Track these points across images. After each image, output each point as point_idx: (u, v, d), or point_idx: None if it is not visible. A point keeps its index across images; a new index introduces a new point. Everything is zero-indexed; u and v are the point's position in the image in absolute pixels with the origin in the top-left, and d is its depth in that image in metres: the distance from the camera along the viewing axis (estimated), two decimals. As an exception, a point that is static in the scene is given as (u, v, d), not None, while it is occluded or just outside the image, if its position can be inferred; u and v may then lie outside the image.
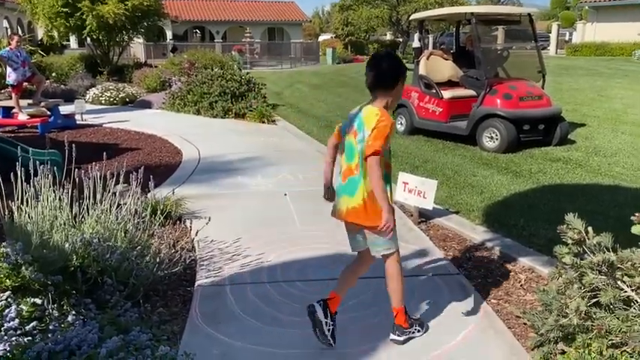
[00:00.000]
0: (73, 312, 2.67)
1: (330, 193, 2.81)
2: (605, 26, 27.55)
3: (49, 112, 9.80)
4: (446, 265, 3.73)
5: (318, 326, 2.69)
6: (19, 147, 5.11)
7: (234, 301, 3.18)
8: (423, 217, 4.65)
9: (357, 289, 3.33)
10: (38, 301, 2.68)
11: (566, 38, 37.29)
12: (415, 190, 4.47)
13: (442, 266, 3.70)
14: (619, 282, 2.40)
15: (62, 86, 15.05)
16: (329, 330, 2.69)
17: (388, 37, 45.59)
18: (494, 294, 3.36)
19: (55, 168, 3.62)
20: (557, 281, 2.69)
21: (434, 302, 3.19)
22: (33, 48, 18.17)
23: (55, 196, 3.27)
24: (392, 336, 2.76)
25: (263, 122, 10.05)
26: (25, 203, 3.18)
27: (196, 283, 3.41)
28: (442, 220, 4.57)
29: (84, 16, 15.83)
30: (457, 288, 3.38)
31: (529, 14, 8.03)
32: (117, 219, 3.32)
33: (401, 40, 39.73)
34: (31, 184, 3.24)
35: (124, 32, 17.48)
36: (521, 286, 3.47)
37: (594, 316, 2.41)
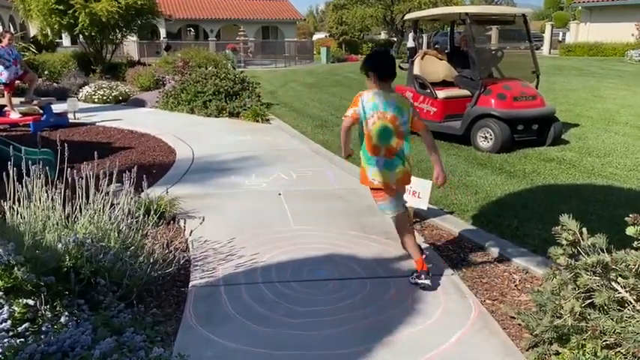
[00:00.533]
0: (66, 313, 2.65)
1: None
2: (599, 26, 27.68)
3: (41, 111, 9.72)
4: (440, 265, 3.73)
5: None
6: (11, 146, 5.07)
7: (228, 302, 3.16)
8: (418, 217, 4.65)
9: (352, 289, 3.33)
10: (31, 302, 2.65)
11: (560, 38, 37.46)
12: (410, 190, 4.46)
13: (436, 266, 3.69)
14: (613, 283, 2.41)
15: (55, 84, 14.95)
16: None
17: (382, 36, 45.59)
18: (488, 294, 3.36)
19: (48, 167, 3.59)
20: (552, 282, 2.70)
21: (429, 303, 3.19)
22: (25, 45, 18.06)
23: (48, 196, 3.24)
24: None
25: (257, 121, 10.02)
26: (17, 203, 3.16)
27: (190, 284, 3.39)
28: (437, 221, 4.58)
29: (77, 14, 15.72)
30: (452, 288, 3.38)
31: (523, 15, 8.05)
32: (110, 219, 3.29)
33: (395, 39, 39.75)
34: (24, 183, 3.21)
35: (117, 30, 17.37)
36: (515, 286, 3.48)
37: (589, 317, 2.42)
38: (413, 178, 4.48)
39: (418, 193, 4.41)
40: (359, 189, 5.44)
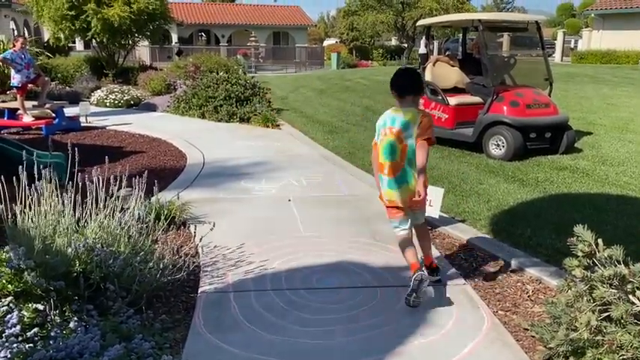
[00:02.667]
0: (75, 318, 2.64)
1: None
2: (612, 34, 27.52)
3: (53, 114, 9.80)
4: (452, 274, 3.69)
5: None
6: (24, 150, 5.10)
7: (237, 309, 3.14)
8: (429, 225, 4.59)
9: (362, 298, 3.30)
10: (40, 306, 2.65)
11: (572, 46, 37.26)
12: (421, 197, 4.43)
13: (448, 276, 3.65)
14: (630, 296, 2.36)
15: (67, 88, 15.08)
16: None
17: (393, 42, 45.58)
18: (501, 305, 3.31)
19: (59, 171, 3.59)
20: (567, 294, 2.64)
21: (440, 313, 3.14)
22: (39, 50, 18.24)
23: (59, 200, 3.24)
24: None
25: (267, 127, 10.02)
26: (28, 207, 3.16)
27: (199, 290, 3.37)
28: (448, 229, 4.53)
29: (89, 19, 15.86)
30: (464, 298, 3.33)
31: (536, 22, 7.99)
32: (120, 224, 3.28)
33: (406, 45, 39.72)
34: (35, 187, 3.21)
35: (130, 35, 17.51)
36: (528, 297, 3.42)
37: (605, 331, 2.37)
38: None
39: (430, 201, 4.36)
40: (369, 195, 5.42)
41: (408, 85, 3.27)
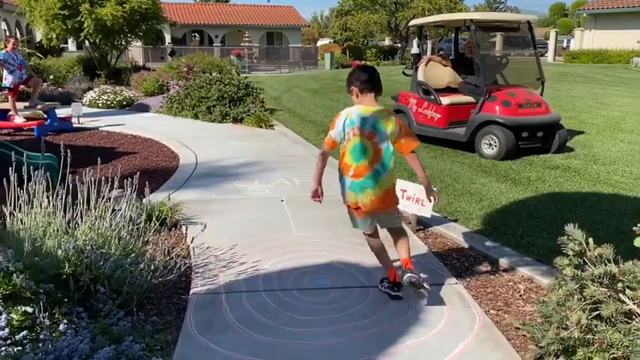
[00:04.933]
0: (65, 321, 2.62)
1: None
2: (604, 33, 27.65)
3: (45, 115, 9.75)
4: (444, 274, 3.69)
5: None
6: (13, 151, 5.07)
7: (229, 310, 3.12)
8: (421, 224, 4.61)
9: (354, 298, 3.29)
10: (29, 309, 2.62)
11: (564, 45, 37.42)
12: (414, 197, 4.44)
13: (440, 275, 3.65)
14: (621, 295, 2.36)
15: (59, 89, 15.00)
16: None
17: (387, 42, 45.65)
18: (493, 304, 3.32)
19: (51, 172, 3.57)
20: (558, 293, 2.65)
21: (432, 312, 3.14)
22: (30, 51, 18.13)
23: (49, 201, 3.22)
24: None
25: (261, 127, 10.01)
26: (18, 209, 3.13)
27: (191, 291, 3.36)
28: (440, 228, 4.54)
29: (82, 19, 15.78)
30: (456, 298, 3.33)
31: (528, 21, 8.02)
32: (111, 226, 3.26)
33: (399, 45, 39.80)
34: (25, 189, 3.19)
35: (122, 35, 17.44)
36: (520, 296, 3.43)
37: (595, 330, 2.37)
38: (416, 186, 4.47)
39: (422, 201, 4.37)
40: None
41: (375, 82, 3.12)
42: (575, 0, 49.35)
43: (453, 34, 9.95)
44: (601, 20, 28.30)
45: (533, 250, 4.01)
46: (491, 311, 3.23)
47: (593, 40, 28.20)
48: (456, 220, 4.73)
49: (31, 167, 3.26)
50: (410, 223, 4.65)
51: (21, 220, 3.03)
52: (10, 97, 9.54)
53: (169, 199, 4.57)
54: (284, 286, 3.46)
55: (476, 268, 3.83)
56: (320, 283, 3.51)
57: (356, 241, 4.26)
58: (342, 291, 3.41)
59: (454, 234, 4.41)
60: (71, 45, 27.79)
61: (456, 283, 3.56)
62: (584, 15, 30.57)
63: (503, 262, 3.87)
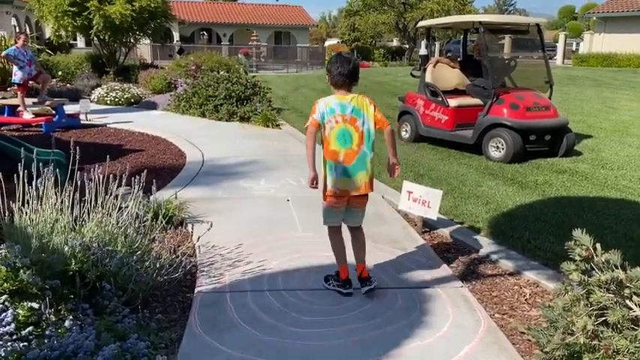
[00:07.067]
0: (71, 317, 2.63)
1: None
2: (613, 37, 27.52)
3: (53, 112, 9.79)
4: (449, 277, 3.68)
5: None
6: (23, 147, 5.09)
7: (234, 309, 3.13)
8: (427, 226, 4.60)
9: (358, 300, 3.29)
10: (35, 305, 2.63)
11: (573, 48, 37.24)
12: (420, 199, 4.43)
13: (445, 278, 3.64)
14: (627, 301, 2.35)
15: (68, 85, 15.08)
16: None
17: (394, 43, 45.58)
18: (498, 308, 3.31)
19: (59, 169, 3.58)
20: (564, 298, 2.64)
21: (437, 315, 3.14)
22: (40, 47, 18.22)
23: (57, 198, 3.24)
24: None
25: (267, 126, 10.01)
26: (26, 205, 3.15)
27: (196, 290, 3.37)
28: (446, 231, 4.52)
29: (91, 16, 15.85)
30: (461, 301, 3.32)
31: (537, 24, 7.98)
32: (118, 223, 3.28)
33: (407, 46, 39.73)
34: (34, 185, 3.20)
35: (131, 33, 17.49)
36: (525, 300, 3.41)
37: (601, 336, 2.36)
38: (423, 188, 4.47)
39: (428, 203, 4.37)
40: (369, 196, 5.40)
41: (352, 72, 3.23)
42: (585, 3, 49.10)
43: (462, 36, 9.92)
44: (611, 24, 28.15)
45: (539, 254, 3.99)
46: (497, 315, 3.22)
47: (603, 44, 28.05)
48: (462, 223, 4.72)
49: (40, 163, 3.28)
50: (416, 225, 4.65)
51: (29, 217, 3.05)
52: (19, 92, 9.59)
53: (176, 197, 4.58)
54: (289, 286, 3.46)
55: (481, 272, 3.82)
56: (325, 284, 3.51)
57: (361, 242, 4.25)
58: (346, 292, 3.40)
59: (460, 236, 4.40)
60: (80, 42, 27.89)
61: (461, 286, 3.55)
62: (594, 18, 30.39)
63: (509, 265, 3.86)
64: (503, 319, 3.17)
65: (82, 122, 10.10)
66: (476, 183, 6.01)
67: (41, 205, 3.07)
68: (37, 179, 3.17)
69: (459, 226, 4.66)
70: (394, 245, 4.19)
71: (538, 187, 5.90)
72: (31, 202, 3.09)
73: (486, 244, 4.24)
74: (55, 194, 3.25)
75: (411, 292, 3.43)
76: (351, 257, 3.42)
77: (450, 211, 4.98)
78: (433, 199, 4.35)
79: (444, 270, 3.78)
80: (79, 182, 3.36)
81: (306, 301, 3.26)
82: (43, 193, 3.21)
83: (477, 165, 6.94)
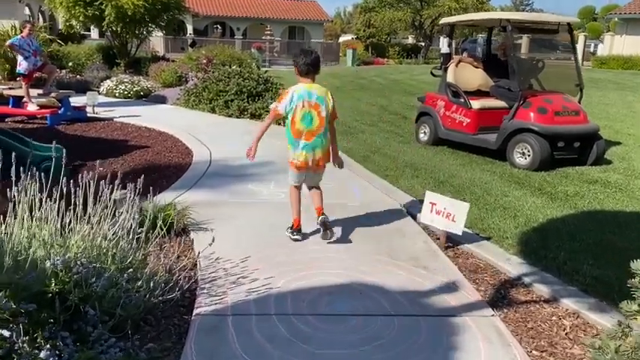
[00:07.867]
0: (48, 347, 2.29)
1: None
2: (635, 39, 26.79)
3: (59, 104, 9.49)
4: (478, 303, 3.28)
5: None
6: (19, 139, 4.75)
7: (235, 338, 2.75)
8: (451, 241, 4.20)
9: (377, 328, 2.90)
10: (6, 333, 2.28)
11: (591, 50, 36.50)
12: (444, 212, 4.04)
13: (474, 304, 3.25)
14: None
15: (77, 77, 14.81)
16: None
17: (410, 40, 44.95)
18: (535, 343, 2.91)
19: (54, 167, 3.18)
20: (622, 341, 2.24)
21: (467, 350, 2.75)
22: (52, 37, 17.97)
23: (42, 205, 2.88)
24: None
25: (279, 124, 9.61)
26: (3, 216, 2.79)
27: (195, 312, 3.00)
28: (472, 247, 4.12)
29: (103, 6, 15.56)
30: (493, 334, 2.93)
31: (568, 23, 7.52)
32: (107, 237, 2.91)
33: (423, 44, 39.12)
34: (16, 190, 2.84)
35: (144, 25, 17.18)
36: (566, 334, 3.01)
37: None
38: (447, 199, 4.07)
39: (453, 216, 3.99)
40: (385, 205, 5.03)
41: (317, 65, 3.99)
42: (606, 4, 48.12)
43: (480, 35, 9.50)
44: (633, 25, 27.41)
45: (577, 279, 3.58)
46: (534, 352, 2.82)
47: (624, 46, 27.33)
48: (489, 239, 4.31)
49: (33, 163, 2.92)
50: (438, 239, 4.25)
51: (5, 229, 2.69)
52: (24, 83, 9.30)
53: (174, 205, 4.22)
54: (298, 309, 3.08)
55: (514, 297, 3.42)
56: (338, 308, 3.13)
57: (378, 258, 3.88)
58: (363, 319, 3.02)
59: (487, 254, 4.00)
60: (94, 32, 27.69)
61: (493, 315, 3.15)
62: (615, 19, 29.65)
63: (544, 291, 3.45)
64: (542, 358, 2.78)
65: (88, 115, 9.81)
66: (501, 193, 5.58)
67: (15, 218, 2.70)
68: (16, 185, 2.80)
69: (485, 241, 4.25)
70: (414, 263, 3.79)
71: (569, 198, 5.47)
72: (7, 215, 2.73)
73: (517, 265, 3.83)
74: (41, 200, 2.89)
75: (436, 321, 3.04)
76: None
77: (474, 224, 4.57)
78: (459, 213, 3.96)
79: (472, 294, 3.38)
80: (71, 186, 3.00)
81: (317, 329, 2.88)
82: (28, 200, 2.84)
83: (501, 172, 6.51)
